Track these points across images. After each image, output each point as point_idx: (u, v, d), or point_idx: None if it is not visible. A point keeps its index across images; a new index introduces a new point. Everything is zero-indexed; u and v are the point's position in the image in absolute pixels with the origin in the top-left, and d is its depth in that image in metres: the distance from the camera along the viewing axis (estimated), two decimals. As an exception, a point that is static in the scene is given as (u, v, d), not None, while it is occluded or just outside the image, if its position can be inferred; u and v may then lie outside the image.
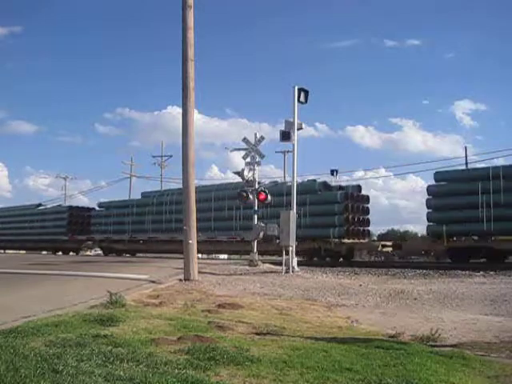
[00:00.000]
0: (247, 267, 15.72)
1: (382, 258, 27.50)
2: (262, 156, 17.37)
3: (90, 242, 34.88)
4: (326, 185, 25.33)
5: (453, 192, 20.57)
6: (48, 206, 41.53)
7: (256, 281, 11.36)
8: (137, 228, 31.30)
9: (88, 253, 37.19)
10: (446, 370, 3.88)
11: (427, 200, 21.48)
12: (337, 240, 23.30)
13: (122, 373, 3.21)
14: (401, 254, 26.33)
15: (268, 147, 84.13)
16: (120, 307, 6.09)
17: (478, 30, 76.29)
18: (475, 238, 20.22)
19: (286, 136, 14.56)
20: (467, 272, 14.80)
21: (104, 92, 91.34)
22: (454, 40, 77.97)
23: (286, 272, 13.55)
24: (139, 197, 35.09)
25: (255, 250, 16.87)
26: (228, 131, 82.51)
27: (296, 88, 14.50)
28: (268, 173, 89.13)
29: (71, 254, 35.21)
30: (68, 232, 34.89)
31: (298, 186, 26.15)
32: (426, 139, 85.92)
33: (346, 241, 23.49)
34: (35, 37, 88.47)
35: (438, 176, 21.75)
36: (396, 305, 8.37)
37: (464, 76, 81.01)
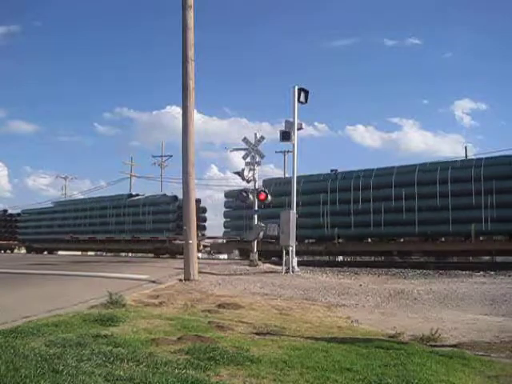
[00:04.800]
0: (247, 267, 15.70)
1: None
2: (262, 156, 17.32)
3: None
4: None
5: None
6: None
7: (256, 281, 11.35)
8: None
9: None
10: (446, 370, 3.89)
11: None
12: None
13: (121, 373, 3.21)
14: None
15: (268, 147, 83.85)
16: (120, 307, 6.09)
17: (478, 30, 76.18)
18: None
19: (286, 136, 14.55)
20: (467, 272, 14.81)
21: (103, 92, 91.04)
22: (454, 39, 77.70)
23: (286, 272, 13.53)
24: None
25: (255, 249, 16.86)
26: (228, 131, 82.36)
27: (296, 88, 14.48)
28: (268, 173, 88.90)
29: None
30: None
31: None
32: (427, 139, 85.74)
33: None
34: (35, 36, 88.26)
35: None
36: (396, 305, 8.37)
37: (464, 75, 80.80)
